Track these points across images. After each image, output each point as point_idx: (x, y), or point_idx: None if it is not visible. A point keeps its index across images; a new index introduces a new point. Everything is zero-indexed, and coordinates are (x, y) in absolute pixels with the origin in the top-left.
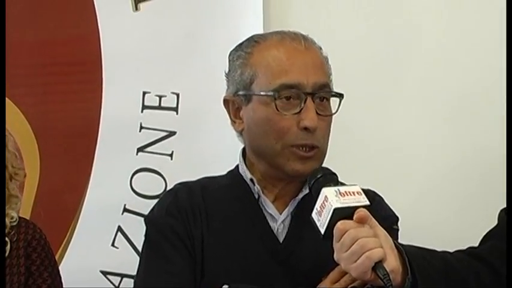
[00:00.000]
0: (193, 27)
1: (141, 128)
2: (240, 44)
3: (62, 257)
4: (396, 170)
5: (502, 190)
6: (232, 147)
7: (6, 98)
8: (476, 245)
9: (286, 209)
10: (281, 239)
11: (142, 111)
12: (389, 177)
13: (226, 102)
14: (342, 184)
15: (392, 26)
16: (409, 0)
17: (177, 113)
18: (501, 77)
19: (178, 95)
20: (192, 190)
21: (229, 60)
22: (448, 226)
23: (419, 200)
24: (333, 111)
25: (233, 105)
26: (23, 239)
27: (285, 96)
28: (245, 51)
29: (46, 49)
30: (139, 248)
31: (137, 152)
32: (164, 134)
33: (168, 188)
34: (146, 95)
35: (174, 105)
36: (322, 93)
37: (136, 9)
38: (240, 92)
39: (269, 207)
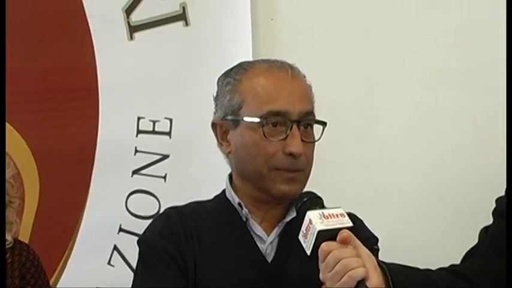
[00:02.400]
0: (186, 56)
1: (136, 151)
2: (229, 71)
3: (60, 274)
4: (381, 191)
5: (487, 206)
6: (222, 170)
7: (7, 123)
8: (458, 261)
9: (274, 231)
10: (269, 260)
11: (137, 136)
12: (375, 198)
13: (214, 125)
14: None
15: (379, 53)
16: (395, 26)
17: (170, 137)
18: (490, 98)
19: (171, 120)
20: (183, 214)
21: (218, 86)
22: (434, 246)
23: (404, 219)
24: (317, 138)
25: (221, 128)
26: (18, 260)
27: (272, 123)
28: (234, 78)
29: (45, 77)
30: (135, 266)
31: (132, 175)
32: (158, 157)
33: (161, 209)
34: (141, 120)
35: (168, 130)
36: (307, 121)
37: (132, 38)
38: (229, 117)
39: (257, 229)
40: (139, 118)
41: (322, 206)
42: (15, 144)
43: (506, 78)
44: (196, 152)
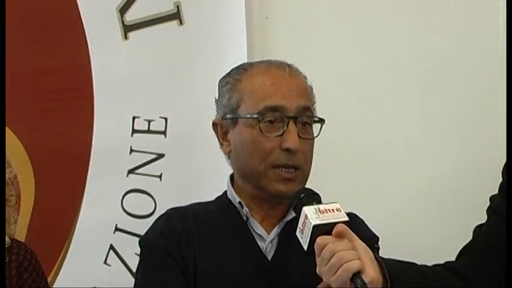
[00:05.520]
0: (180, 55)
1: (132, 151)
2: (229, 72)
3: (57, 274)
4: (377, 190)
5: (482, 204)
6: (218, 169)
7: None
8: (453, 258)
9: (274, 230)
10: (269, 258)
11: (132, 135)
12: (370, 197)
13: (214, 125)
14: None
15: (374, 51)
16: (392, 25)
17: (165, 137)
18: (499, 94)
19: (166, 120)
20: (184, 214)
21: (219, 87)
22: (429, 239)
23: (400, 212)
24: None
25: (221, 128)
26: (15, 259)
27: (269, 120)
28: (233, 78)
29: (40, 77)
30: (131, 265)
31: (128, 174)
32: (153, 156)
33: (157, 208)
34: (136, 120)
35: (163, 129)
36: (305, 118)
37: (126, 38)
38: (228, 116)
39: (257, 228)
40: (134, 117)
41: (319, 202)
42: (11, 144)
43: (506, 78)
44: (192, 151)
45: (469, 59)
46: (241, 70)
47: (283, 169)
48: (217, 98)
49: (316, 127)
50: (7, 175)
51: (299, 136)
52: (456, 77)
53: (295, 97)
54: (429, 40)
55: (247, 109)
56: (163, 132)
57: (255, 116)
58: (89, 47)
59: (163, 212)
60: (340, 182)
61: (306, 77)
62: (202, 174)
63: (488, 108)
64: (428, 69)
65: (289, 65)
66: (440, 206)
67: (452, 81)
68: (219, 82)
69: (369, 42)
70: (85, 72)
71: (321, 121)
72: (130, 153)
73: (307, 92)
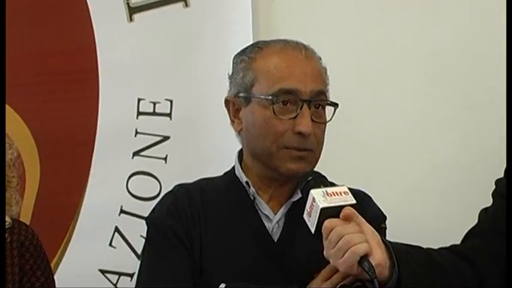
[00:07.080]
0: (186, 37)
1: (137, 133)
2: (244, 49)
3: (62, 256)
4: (385, 167)
5: (487, 188)
6: (223, 151)
7: (8, 106)
8: (459, 242)
9: (281, 210)
10: (275, 238)
11: (137, 117)
12: (378, 174)
13: (227, 102)
14: (332, 185)
15: (381, 34)
16: (398, 7)
17: (170, 119)
18: (499, 81)
19: (171, 102)
20: (191, 192)
21: (233, 64)
22: (434, 222)
23: (406, 195)
24: (328, 119)
25: (233, 105)
26: (16, 239)
27: (282, 101)
28: (248, 56)
29: (45, 59)
30: (136, 248)
31: (133, 156)
32: (158, 138)
33: (162, 190)
34: (141, 102)
35: (168, 111)
36: (318, 101)
37: (131, 20)
38: (241, 94)
39: (264, 208)
40: (139, 100)
41: (326, 185)
42: (16, 126)
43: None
44: (197, 133)
45: (473, 53)
46: (256, 48)
47: (294, 150)
48: (230, 74)
49: (328, 109)
50: (8, 156)
51: (312, 120)
52: (462, 67)
53: (310, 81)
54: (435, 31)
55: (261, 89)
56: (169, 115)
57: (269, 97)
58: (94, 29)
59: None
60: (346, 164)
61: (320, 58)
62: (208, 156)
63: (495, 95)
64: (435, 59)
65: (305, 47)
66: (446, 190)
67: (459, 70)
68: (234, 59)
69: (375, 25)
70: (90, 55)
71: (335, 105)
72: (135, 135)
73: (321, 75)
